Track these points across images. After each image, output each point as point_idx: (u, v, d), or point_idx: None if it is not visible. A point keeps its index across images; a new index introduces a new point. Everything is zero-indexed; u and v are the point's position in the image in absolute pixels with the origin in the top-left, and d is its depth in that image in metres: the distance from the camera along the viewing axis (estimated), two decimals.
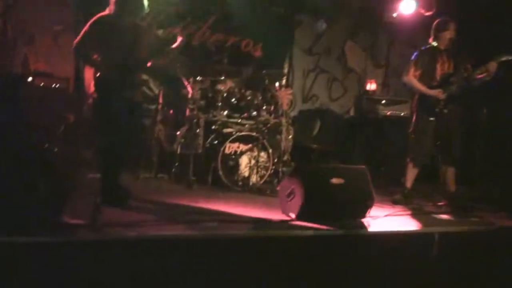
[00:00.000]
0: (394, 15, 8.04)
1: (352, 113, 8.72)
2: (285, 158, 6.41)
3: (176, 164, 6.07)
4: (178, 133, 6.13)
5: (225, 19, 7.80)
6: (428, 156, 5.69)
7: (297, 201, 4.39)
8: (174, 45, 4.89)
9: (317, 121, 7.86)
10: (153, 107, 6.73)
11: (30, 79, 5.80)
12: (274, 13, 8.10)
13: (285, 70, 8.16)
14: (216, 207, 4.76)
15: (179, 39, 4.92)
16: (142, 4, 4.66)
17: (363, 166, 4.68)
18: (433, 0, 7.70)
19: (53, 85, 5.90)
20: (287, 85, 7.81)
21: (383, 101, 7.66)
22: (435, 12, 7.70)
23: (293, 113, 7.93)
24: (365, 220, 4.58)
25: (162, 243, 3.53)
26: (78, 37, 4.54)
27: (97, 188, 4.12)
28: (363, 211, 4.59)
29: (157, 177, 6.14)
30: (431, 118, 5.50)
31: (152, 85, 7.03)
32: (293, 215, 4.42)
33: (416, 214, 5.12)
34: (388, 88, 8.62)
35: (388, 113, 7.56)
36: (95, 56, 4.55)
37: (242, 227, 4.08)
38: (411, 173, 5.68)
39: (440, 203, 5.53)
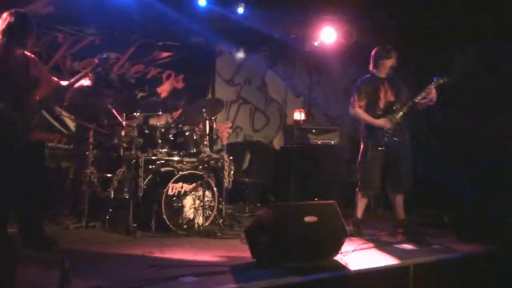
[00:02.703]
0: (316, 44, 8.09)
1: (276, 143, 8.58)
2: None
3: (110, 210, 5.47)
4: (110, 175, 5.53)
5: (145, 50, 7.35)
6: (378, 186, 5.61)
7: (270, 243, 4.04)
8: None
9: (247, 153, 7.58)
10: (68, 147, 6.14)
11: None
12: (195, 43, 7.78)
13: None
14: (178, 256, 4.28)
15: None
16: (30, 33, 4.25)
17: (332, 201, 4.44)
18: (353, 30, 7.82)
19: None
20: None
21: (313, 131, 7.57)
22: (355, 41, 7.86)
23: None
24: (339, 258, 4.34)
25: None
26: None
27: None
28: (336, 248, 4.35)
29: (88, 226, 5.45)
30: (381, 148, 5.44)
31: (68, 122, 6.36)
32: (266, 258, 4.05)
33: (379, 246, 4.98)
34: (312, 117, 8.59)
35: (319, 142, 7.48)
36: None
37: (223, 279, 3.64)
38: (361, 203, 5.60)
39: (397, 232, 5.43)
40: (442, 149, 7.08)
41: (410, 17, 7.35)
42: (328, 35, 7.95)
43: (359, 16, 7.66)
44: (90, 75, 4.50)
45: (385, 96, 5.51)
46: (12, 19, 4.10)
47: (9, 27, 4.10)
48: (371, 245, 5.00)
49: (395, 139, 5.42)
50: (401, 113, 5.43)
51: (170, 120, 5.83)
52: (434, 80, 5.36)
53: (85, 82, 4.53)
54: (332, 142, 7.50)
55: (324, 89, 9.00)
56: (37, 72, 4.36)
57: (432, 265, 4.46)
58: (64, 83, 4.60)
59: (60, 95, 4.63)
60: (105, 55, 4.63)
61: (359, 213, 5.57)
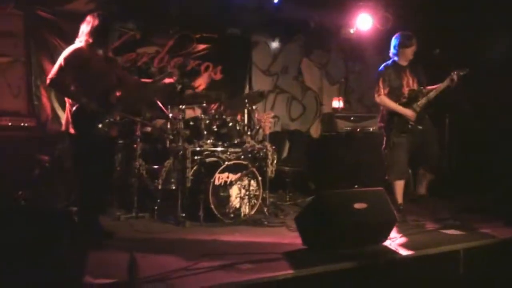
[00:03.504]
0: (352, 31, 8.08)
1: (313, 131, 8.63)
2: None
3: (158, 201, 5.62)
4: (158, 167, 5.68)
5: (183, 43, 7.46)
6: (404, 171, 5.67)
7: (321, 230, 4.12)
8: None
9: (286, 142, 7.65)
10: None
11: None
12: (231, 34, 7.86)
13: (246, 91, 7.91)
14: (230, 245, 4.43)
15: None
16: (111, 36, 4.87)
17: (381, 188, 4.51)
18: (389, 15, 7.78)
19: (22, 124, 5.25)
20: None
21: (352, 118, 7.60)
22: (391, 27, 7.81)
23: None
24: (388, 244, 4.42)
25: None
26: (54, 71, 4.32)
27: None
28: (386, 234, 4.43)
29: (138, 217, 5.59)
30: (403, 134, 5.51)
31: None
32: (318, 245, 4.14)
33: (425, 231, 5.03)
34: (349, 105, 8.61)
35: (358, 129, 7.50)
36: (73, 88, 4.33)
37: (279, 265, 3.74)
38: (398, 189, 5.62)
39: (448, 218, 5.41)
40: (484, 131, 7.11)
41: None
42: (364, 22, 7.91)
43: (395, 1, 7.63)
44: (174, 73, 4.76)
45: (408, 84, 5.56)
46: (97, 21, 4.37)
47: (94, 29, 4.35)
48: (417, 230, 5.05)
49: (419, 127, 5.49)
50: (424, 102, 5.49)
51: (213, 111, 5.90)
52: (455, 72, 5.38)
53: (168, 80, 4.82)
54: (371, 129, 7.51)
55: (360, 77, 8.98)
56: (118, 71, 4.61)
57: (482, 249, 4.50)
58: (146, 81, 4.89)
59: (145, 92, 4.89)
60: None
61: (399, 198, 5.60)
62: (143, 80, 4.90)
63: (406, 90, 5.54)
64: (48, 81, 4.36)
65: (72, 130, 4.27)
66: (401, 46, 5.51)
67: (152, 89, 5.01)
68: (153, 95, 5.57)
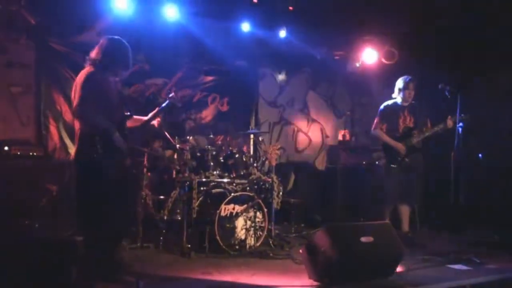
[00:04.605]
0: (357, 65, 8.18)
1: (318, 163, 8.64)
2: None
3: (164, 231, 5.61)
4: (164, 197, 5.69)
5: (191, 75, 7.56)
6: (394, 198, 6.00)
7: (328, 264, 4.11)
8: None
9: (291, 174, 7.67)
10: None
11: (6, 148, 5.16)
12: (238, 67, 7.95)
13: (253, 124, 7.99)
14: (236, 277, 4.38)
15: (172, 94, 4.74)
16: (123, 61, 4.28)
17: (387, 221, 4.51)
18: (395, 50, 7.89)
19: (31, 154, 5.29)
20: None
21: (357, 150, 7.63)
22: (396, 61, 7.92)
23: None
24: (395, 278, 4.38)
25: None
26: (78, 99, 4.02)
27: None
28: (392, 268, 4.40)
29: (143, 247, 5.58)
30: (393, 165, 5.96)
31: None
32: (325, 280, 4.12)
33: (432, 266, 4.99)
34: (355, 137, 8.65)
35: (363, 162, 7.52)
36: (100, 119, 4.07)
37: None
38: (403, 216, 5.99)
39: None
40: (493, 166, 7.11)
41: (451, 37, 7.39)
42: (369, 56, 8.05)
43: (400, 37, 7.73)
44: (159, 118, 4.62)
45: (404, 122, 6.05)
46: (108, 46, 4.15)
47: (104, 54, 4.13)
48: (424, 265, 5.01)
49: (406, 160, 5.92)
50: (416, 139, 5.94)
51: (220, 143, 5.95)
52: (452, 116, 5.69)
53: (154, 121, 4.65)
54: (377, 162, 7.51)
55: (365, 109, 9.04)
56: (125, 100, 4.53)
57: (488, 285, 4.45)
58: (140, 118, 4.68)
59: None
60: (170, 94, 4.73)
61: (405, 226, 5.97)
62: (135, 116, 4.59)
63: (401, 127, 6.02)
64: (74, 109, 4.06)
65: (85, 157, 4.01)
66: (400, 88, 6.02)
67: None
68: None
